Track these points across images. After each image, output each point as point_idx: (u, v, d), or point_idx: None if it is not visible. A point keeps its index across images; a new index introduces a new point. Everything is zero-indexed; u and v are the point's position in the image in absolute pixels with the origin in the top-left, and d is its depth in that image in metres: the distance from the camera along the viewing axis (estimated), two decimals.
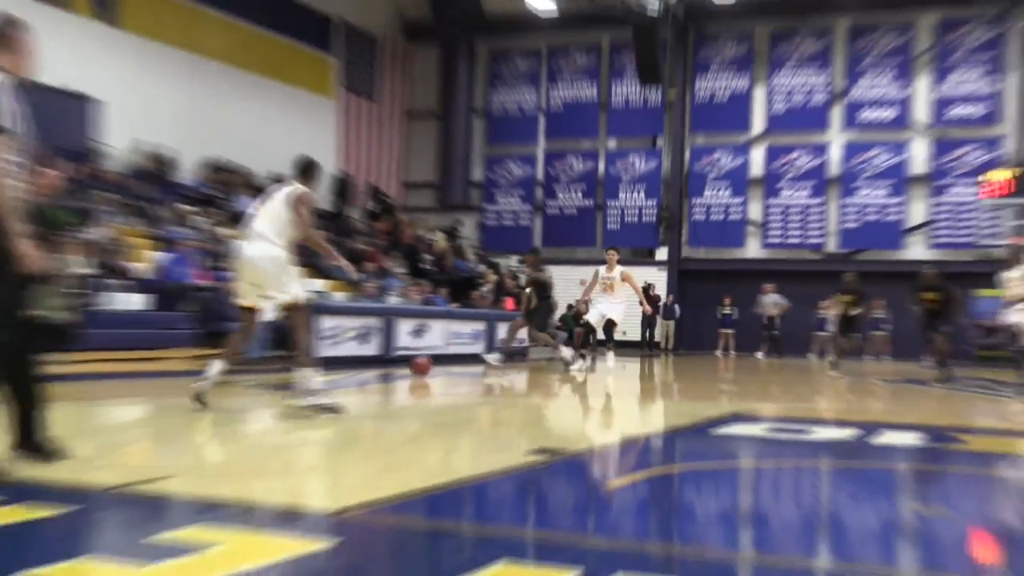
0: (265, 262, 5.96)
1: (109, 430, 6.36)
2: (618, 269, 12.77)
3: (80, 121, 16.91)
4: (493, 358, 13.80)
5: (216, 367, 6.02)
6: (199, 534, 2.80)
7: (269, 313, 12.40)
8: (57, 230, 12.60)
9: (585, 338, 14.34)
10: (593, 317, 13.01)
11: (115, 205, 15.75)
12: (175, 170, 18.56)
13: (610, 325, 12.80)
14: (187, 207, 17.11)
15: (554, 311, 15.70)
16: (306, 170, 6.38)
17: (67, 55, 15.85)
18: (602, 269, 12.88)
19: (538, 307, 13.25)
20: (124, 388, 9.52)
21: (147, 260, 15.22)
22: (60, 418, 5.00)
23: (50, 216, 13.27)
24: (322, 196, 6.72)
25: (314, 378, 5.98)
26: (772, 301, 19.21)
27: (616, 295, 12.78)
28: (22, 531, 2.90)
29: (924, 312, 12.15)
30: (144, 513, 3.40)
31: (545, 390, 11.38)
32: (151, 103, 18.59)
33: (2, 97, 3.64)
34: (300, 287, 6.14)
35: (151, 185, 17.72)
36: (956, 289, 12.68)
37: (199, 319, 14.01)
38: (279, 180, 5.95)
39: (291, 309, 6.09)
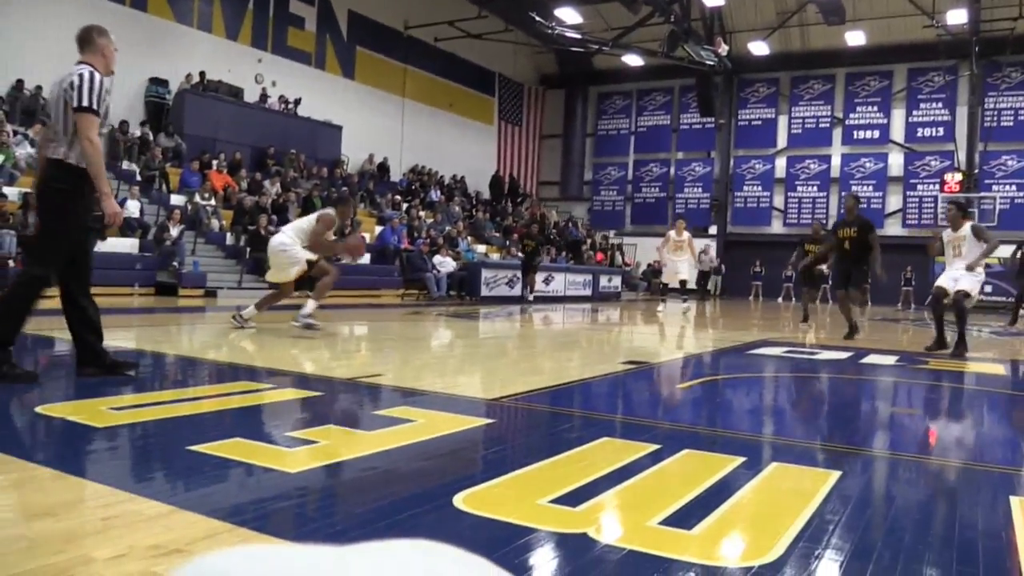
0: (274, 251, 7.76)
1: (346, 341, 7.81)
2: (686, 234, 14.31)
3: (333, 141, 22.21)
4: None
5: (309, 306, 7.85)
6: (405, 412, 3.70)
7: (449, 265, 19.24)
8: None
9: (664, 288, 15.98)
10: (668, 276, 14.75)
11: (353, 195, 18.87)
12: (389, 172, 24.12)
13: (683, 283, 14.59)
14: (397, 197, 22.46)
15: None
16: (336, 202, 8.42)
17: (325, 99, 22.09)
18: (672, 233, 14.53)
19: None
20: (356, 315, 10.89)
21: (372, 231, 19.10)
22: (313, 335, 7.45)
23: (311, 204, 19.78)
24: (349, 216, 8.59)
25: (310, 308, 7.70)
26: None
27: (683, 254, 14.36)
28: (293, 405, 3.86)
29: (838, 255, 10.26)
30: (369, 396, 4.35)
31: (635, 321, 12.98)
32: (375, 128, 24.05)
33: (102, 91, 4.13)
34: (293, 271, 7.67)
35: (374, 182, 22.73)
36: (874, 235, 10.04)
37: (403, 270, 17.91)
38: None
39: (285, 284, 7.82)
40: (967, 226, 8.22)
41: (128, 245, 14.20)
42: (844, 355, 7.75)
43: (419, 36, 25.31)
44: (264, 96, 20.38)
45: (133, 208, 14.77)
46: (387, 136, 24.59)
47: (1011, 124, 25.15)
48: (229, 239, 16.27)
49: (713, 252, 27.59)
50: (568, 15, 24.51)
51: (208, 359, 5.94)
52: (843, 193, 26.86)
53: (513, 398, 4.43)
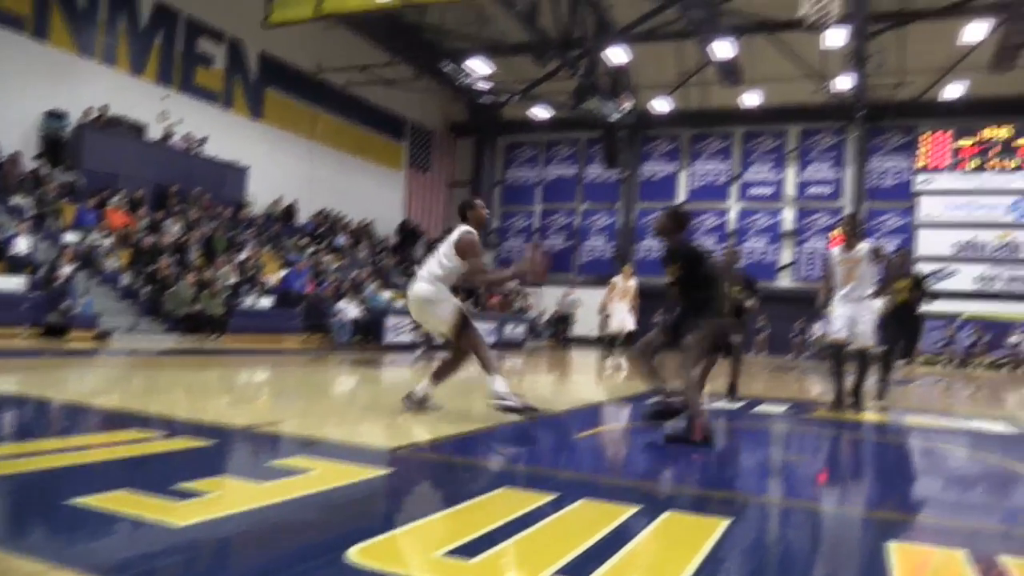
0: (418, 301, 5.74)
1: (243, 388, 7.39)
2: (633, 281, 13.56)
3: (239, 182, 21.81)
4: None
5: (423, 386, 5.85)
6: (302, 462, 3.62)
7: (353, 311, 18.85)
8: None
9: (611, 341, 14.30)
10: (615, 326, 13.74)
11: (257, 237, 20.20)
12: (295, 215, 23.77)
13: (630, 335, 13.34)
14: (303, 241, 22.24)
15: None
16: (462, 210, 6.02)
17: (232, 139, 21.74)
18: (619, 279, 13.84)
19: None
20: (256, 361, 10.82)
21: (275, 275, 18.99)
22: (210, 379, 6.98)
23: (214, 244, 18.34)
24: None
25: (499, 383, 5.57)
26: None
27: (628, 303, 13.47)
28: (185, 454, 3.74)
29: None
30: (265, 445, 4.28)
31: (539, 369, 13.57)
32: (282, 171, 23.67)
33: None
34: (449, 316, 5.65)
35: (280, 225, 22.48)
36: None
37: (306, 315, 17.70)
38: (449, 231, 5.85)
39: (453, 336, 5.72)
40: (864, 246, 7.63)
41: (15, 283, 13.55)
42: (737, 405, 7.93)
43: (331, 80, 25.34)
44: (168, 134, 19.95)
45: (23, 245, 14.19)
46: (295, 179, 24.42)
47: (893, 184, 26.79)
48: (125, 280, 15.74)
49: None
50: (479, 66, 25.01)
51: (97, 406, 5.73)
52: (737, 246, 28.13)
53: (414, 448, 4.45)
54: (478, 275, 5.93)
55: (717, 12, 21.82)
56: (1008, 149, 25.55)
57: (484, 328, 21.06)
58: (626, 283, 13.58)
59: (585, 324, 27.04)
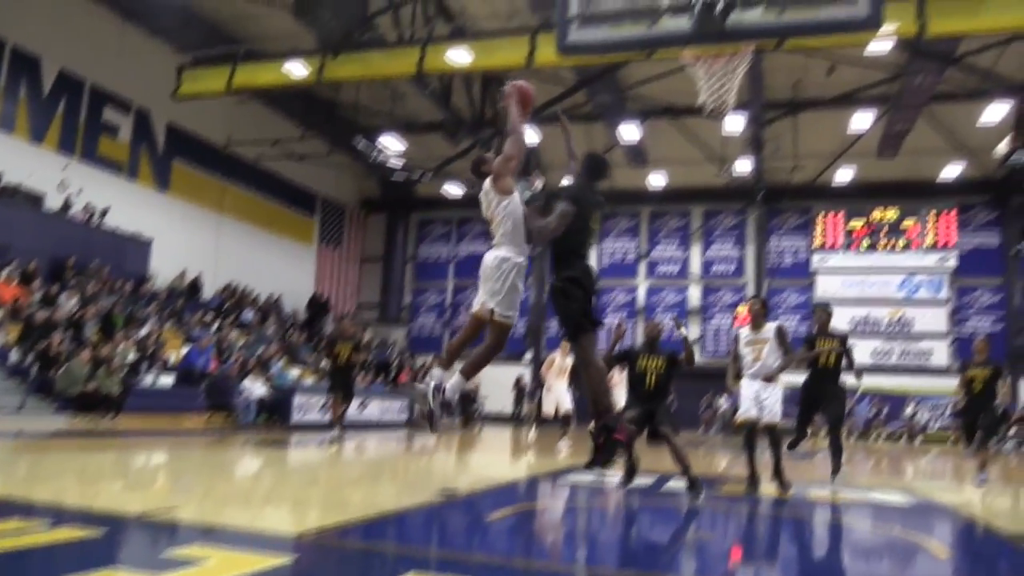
0: (488, 267, 5.26)
1: (140, 471, 7.11)
2: (769, 327, 13.45)
3: (141, 255, 21.19)
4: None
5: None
6: (198, 551, 3.42)
7: (259, 390, 18.19)
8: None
9: (538, 419, 13.86)
10: (548, 405, 13.39)
11: (159, 313, 19.67)
12: (201, 290, 23.16)
13: (567, 416, 13.18)
14: (208, 316, 21.53)
15: None
16: (476, 167, 5.52)
17: (135, 211, 21.06)
18: (557, 355, 13.40)
19: None
20: (155, 442, 10.48)
21: (177, 352, 18.44)
22: (104, 462, 6.58)
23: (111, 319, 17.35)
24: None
25: (451, 378, 5.26)
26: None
27: (765, 361, 13.12)
28: (66, 547, 3.50)
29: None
30: (160, 534, 4.05)
31: (450, 448, 12.90)
32: (189, 244, 23.27)
33: None
34: (500, 303, 5.15)
35: (183, 299, 21.75)
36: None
37: (209, 394, 17.06)
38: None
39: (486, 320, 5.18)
40: (771, 327, 7.87)
41: None
42: (647, 481, 7.85)
43: (241, 153, 25.04)
44: (68, 204, 19.32)
45: None
46: (201, 252, 23.89)
47: (791, 263, 27.96)
48: (14, 356, 14.92)
49: (528, 379, 28.32)
50: (392, 142, 25.24)
51: None
52: (648, 319, 28.57)
53: (320, 533, 4.29)
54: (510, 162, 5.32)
55: (623, 97, 22.74)
56: (896, 230, 27.09)
57: (395, 406, 21.49)
58: (563, 360, 13.13)
59: (497, 400, 27.09)
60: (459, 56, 17.58)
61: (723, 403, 25.49)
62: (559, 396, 13.43)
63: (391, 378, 25.53)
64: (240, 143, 24.69)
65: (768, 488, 7.64)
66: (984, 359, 9.69)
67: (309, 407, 17.73)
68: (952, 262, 26.59)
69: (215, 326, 21.29)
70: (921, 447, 22.23)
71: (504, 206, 5.25)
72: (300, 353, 23.63)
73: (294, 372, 20.61)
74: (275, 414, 17.28)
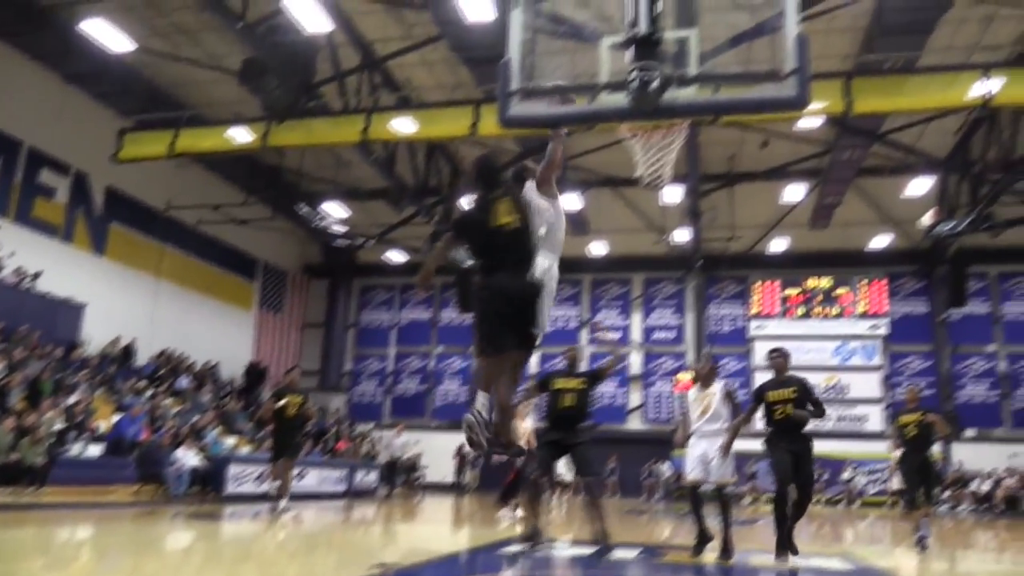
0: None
1: (62, 548, 6.88)
2: (717, 386, 11.94)
3: (74, 320, 20.55)
4: None
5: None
6: None
7: (192, 459, 17.52)
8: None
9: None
10: (693, 470, 11.82)
11: (90, 380, 18.92)
12: (134, 356, 22.45)
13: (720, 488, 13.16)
14: (141, 383, 20.61)
15: None
16: (520, 176, 5.38)
17: (69, 274, 20.59)
18: (694, 391, 12.71)
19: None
20: (79, 516, 10.11)
21: (108, 420, 17.61)
22: (24, 538, 6.39)
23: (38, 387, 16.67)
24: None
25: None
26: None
27: (714, 421, 11.26)
28: None
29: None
30: None
31: (391, 519, 13.27)
32: (124, 309, 22.69)
33: None
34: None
35: (116, 366, 21.04)
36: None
37: (139, 464, 16.35)
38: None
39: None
40: (718, 385, 8.02)
41: None
42: (589, 550, 7.67)
43: (181, 217, 24.74)
44: None
45: None
46: (136, 317, 23.32)
47: (729, 330, 28.46)
48: None
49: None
50: (335, 209, 25.23)
51: None
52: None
53: None
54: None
55: (565, 167, 23.15)
56: (829, 298, 27.88)
57: (333, 476, 21.00)
58: (706, 390, 12.56)
59: (438, 470, 26.69)
60: (404, 125, 17.82)
61: (665, 470, 25.54)
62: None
63: (329, 447, 24.99)
64: (180, 207, 24.39)
65: (710, 555, 7.59)
66: (915, 405, 9.72)
67: (244, 477, 17.19)
68: (884, 329, 27.39)
69: (148, 393, 20.59)
70: (859, 511, 22.50)
71: (548, 212, 5.21)
72: (236, 421, 23.04)
73: (229, 441, 20.07)
74: (208, 485, 16.74)
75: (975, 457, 24.28)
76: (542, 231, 5.12)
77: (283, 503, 11.73)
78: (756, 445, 8.83)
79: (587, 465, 7.26)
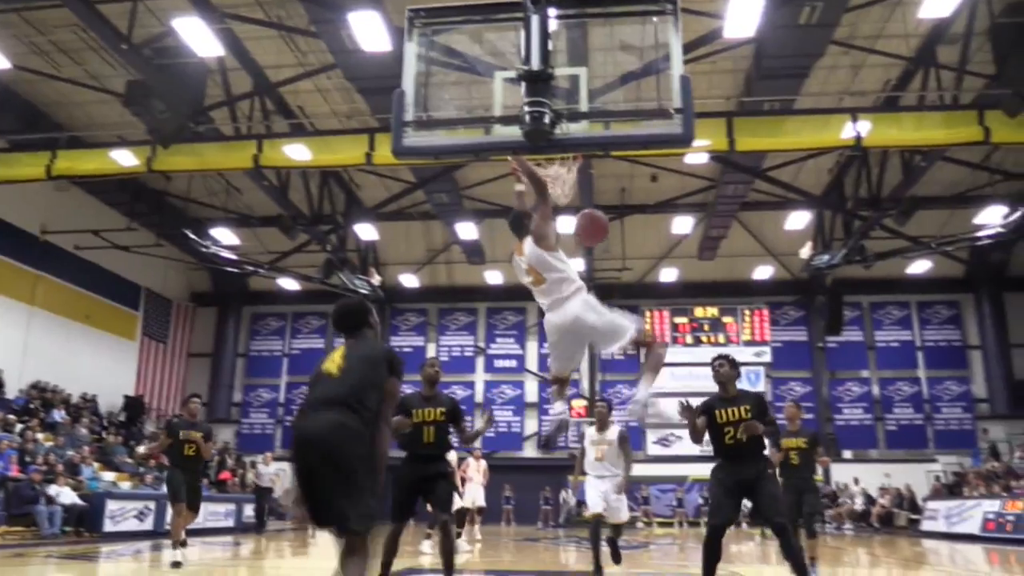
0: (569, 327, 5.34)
1: None
2: (614, 428, 10.71)
3: None
4: None
5: None
6: None
7: (66, 496, 16.45)
8: None
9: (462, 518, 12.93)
10: (593, 504, 12.61)
11: None
12: (3, 388, 21.20)
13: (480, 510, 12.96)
14: (11, 417, 19.70)
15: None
16: (519, 222, 5.52)
17: None
18: (591, 431, 12.27)
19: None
20: None
21: None
22: None
23: None
24: None
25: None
26: None
27: (610, 464, 10.87)
28: None
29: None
30: None
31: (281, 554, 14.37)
32: None
33: None
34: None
35: None
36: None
37: (7, 503, 15.66)
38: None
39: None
40: (615, 429, 8.42)
41: None
42: None
43: (57, 243, 23.56)
44: None
45: None
46: (8, 348, 22.04)
47: (623, 357, 28.93)
48: None
49: None
50: (224, 235, 24.56)
51: None
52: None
53: None
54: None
55: (461, 196, 23.35)
56: (717, 326, 28.87)
57: (221, 510, 20.29)
58: (601, 434, 12.26)
59: None
60: (297, 152, 17.57)
61: (570, 497, 25.71)
62: (474, 493, 14.34)
63: (214, 479, 24.05)
64: (57, 231, 23.30)
65: None
66: (797, 428, 8.85)
67: (124, 514, 16.55)
68: (767, 357, 28.54)
69: (18, 428, 19.38)
70: (746, 531, 23.17)
71: (551, 262, 5.36)
72: (115, 456, 21.96)
73: (108, 476, 19.13)
74: (84, 524, 16.00)
75: (852, 477, 25.39)
76: (551, 278, 5.36)
77: (180, 552, 9.86)
78: (647, 470, 9.21)
79: (447, 504, 6.71)
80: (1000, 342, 27.40)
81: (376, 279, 25.39)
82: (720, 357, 6.93)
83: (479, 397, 29.24)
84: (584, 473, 8.60)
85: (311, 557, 13.27)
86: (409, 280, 28.40)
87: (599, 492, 8.31)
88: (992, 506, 18.78)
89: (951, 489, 22.39)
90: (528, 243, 5.41)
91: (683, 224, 24.56)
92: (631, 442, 8.78)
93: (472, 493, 14.09)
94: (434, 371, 7.08)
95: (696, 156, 18.78)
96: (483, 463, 14.94)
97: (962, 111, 16.15)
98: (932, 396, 27.34)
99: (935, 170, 20.83)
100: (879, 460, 27.23)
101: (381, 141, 16.74)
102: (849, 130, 15.68)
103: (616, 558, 8.54)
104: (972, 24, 15.82)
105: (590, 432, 8.60)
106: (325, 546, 14.91)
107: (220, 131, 18.90)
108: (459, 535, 13.20)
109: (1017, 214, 20.45)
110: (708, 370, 6.80)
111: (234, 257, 23.81)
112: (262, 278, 27.94)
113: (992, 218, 21.30)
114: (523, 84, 5.01)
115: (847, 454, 27.41)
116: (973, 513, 19.17)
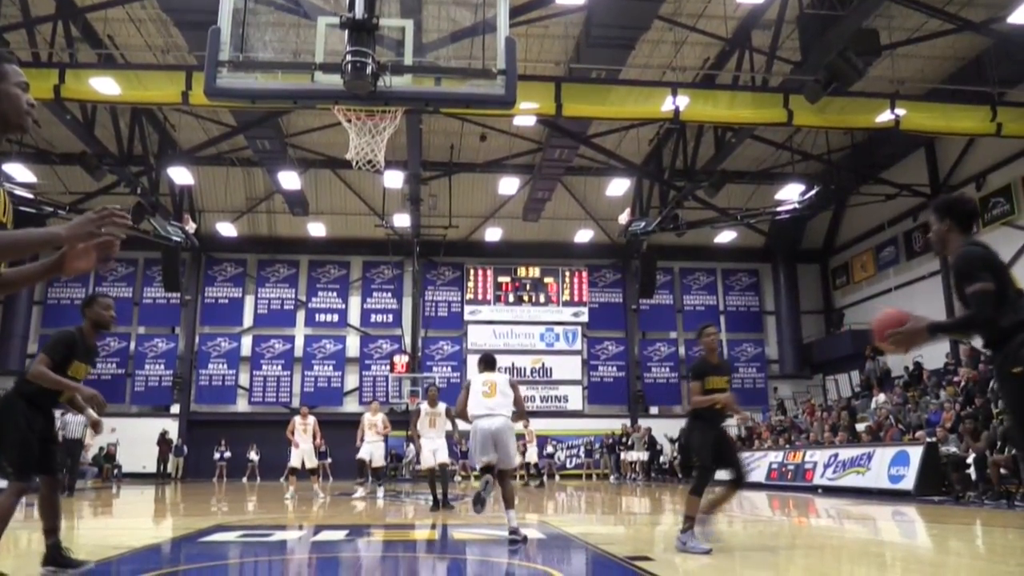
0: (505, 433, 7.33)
1: None
2: (441, 405, 12.45)
3: None
4: None
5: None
6: None
7: None
8: None
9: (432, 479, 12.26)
10: (427, 460, 12.21)
11: None
12: None
13: (443, 467, 11.98)
14: None
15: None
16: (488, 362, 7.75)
17: None
18: (425, 405, 12.57)
19: None
20: None
21: None
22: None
23: None
24: None
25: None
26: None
27: (439, 429, 12.30)
28: None
29: None
30: None
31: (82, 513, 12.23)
32: None
33: None
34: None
35: None
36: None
37: None
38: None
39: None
40: (442, 406, 12.32)
41: None
42: (297, 534, 7.84)
43: None
44: None
45: None
46: None
47: (445, 314, 29.32)
48: None
49: (183, 439, 26.64)
50: (19, 171, 22.52)
51: None
52: (306, 372, 28.31)
53: None
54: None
55: (284, 145, 22.53)
56: (538, 286, 29.65)
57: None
58: (432, 408, 12.35)
59: (136, 459, 25.11)
60: (105, 85, 16.24)
61: (410, 452, 25.70)
62: (372, 451, 15.33)
63: None
64: None
65: (426, 532, 7.89)
66: (719, 362, 7.33)
67: None
68: (584, 317, 29.67)
69: None
70: (559, 484, 24.20)
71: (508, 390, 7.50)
72: None
73: None
74: None
75: (659, 431, 26.97)
76: (502, 401, 7.36)
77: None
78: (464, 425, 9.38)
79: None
80: (792, 308, 29.87)
81: (191, 226, 24.14)
82: (711, 326, 7.40)
83: (299, 352, 28.61)
84: (419, 435, 12.21)
85: (117, 513, 12.61)
86: (227, 229, 27.22)
87: (431, 450, 11.91)
88: (777, 457, 20.60)
89: (744, 442, 24.31)
90: (500, 376, 7.55)
91: (509, 185, 24.94)
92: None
93: (430, 449, 12.25)
94: None
95: (524, 118, 19.02)
96: (311, 420, 15.31)
97: (770, 93, 17.28)
98: (731, 357, 29.36)
99: (744, 147, 22.27)
100: (682, 416, 29.04)
101: (199, 80, 15.71)
102: (669, 103, 16.38)
103: (445, 502, 11.60)
104: (784, 12, 16.90)
105: (424, 406, 12.40)
106: (133, 500, 14.23)
107: (17, 56, 17.16)
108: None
109: (812, 192, 22.33)
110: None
111: (30, 196, 21.85)
112: (64, 221, 25.94)
113: (791, 194, 23.11)
114: (346, 32, 4.90)
115: (654, 410, 29.09)
116: (761, 463, 20.93)
